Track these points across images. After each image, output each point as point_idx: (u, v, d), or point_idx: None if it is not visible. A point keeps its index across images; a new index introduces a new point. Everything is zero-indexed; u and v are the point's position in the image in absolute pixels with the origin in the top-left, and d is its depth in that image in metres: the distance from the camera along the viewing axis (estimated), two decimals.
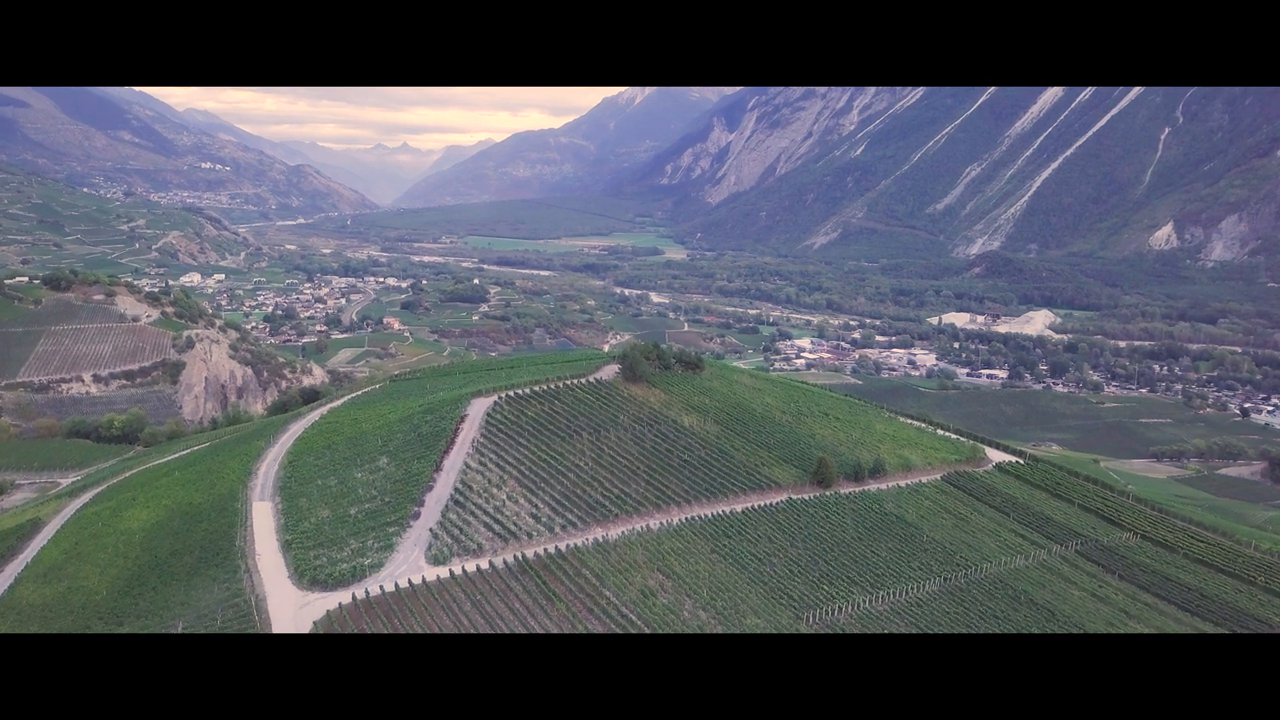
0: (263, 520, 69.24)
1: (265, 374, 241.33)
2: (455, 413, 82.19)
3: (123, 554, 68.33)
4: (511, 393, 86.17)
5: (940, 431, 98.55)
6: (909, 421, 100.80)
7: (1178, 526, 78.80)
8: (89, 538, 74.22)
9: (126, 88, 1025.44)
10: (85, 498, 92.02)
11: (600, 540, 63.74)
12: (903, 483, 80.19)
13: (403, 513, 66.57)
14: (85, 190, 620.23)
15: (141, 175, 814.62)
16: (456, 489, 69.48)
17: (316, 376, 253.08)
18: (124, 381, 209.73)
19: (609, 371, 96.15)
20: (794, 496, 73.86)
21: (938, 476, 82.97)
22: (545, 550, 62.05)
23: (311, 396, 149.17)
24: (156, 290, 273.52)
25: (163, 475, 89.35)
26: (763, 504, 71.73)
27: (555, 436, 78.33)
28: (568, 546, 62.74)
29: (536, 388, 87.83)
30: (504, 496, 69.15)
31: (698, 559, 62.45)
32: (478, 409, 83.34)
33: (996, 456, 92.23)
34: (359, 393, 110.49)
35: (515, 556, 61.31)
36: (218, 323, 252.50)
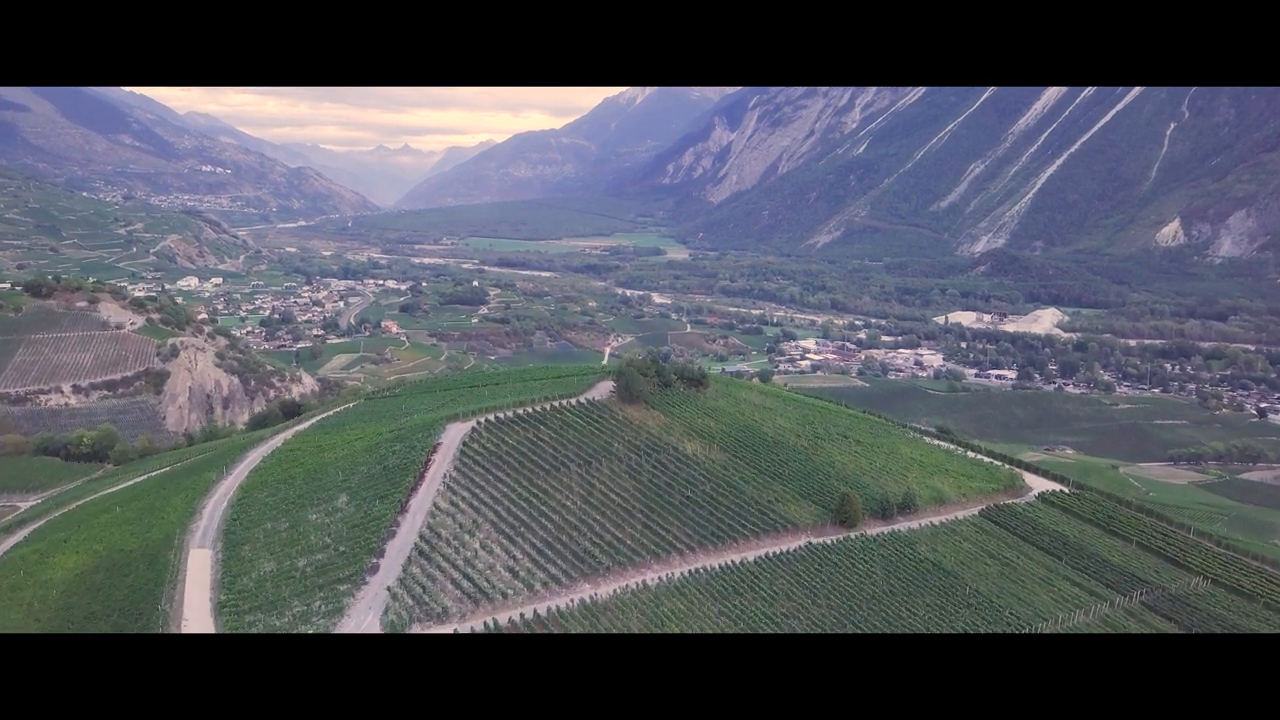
0: (198, 574, 59.57)
1: (253, 383, 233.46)
2: (427, 441, 72.48)
3: (36, 614, 58.76)
4: (491, 416, 76.36)
5: (971, 454, 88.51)
6: (936, 442, 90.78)
7: (1252, 568, 68.75)
8: (6, 590, 64.67)
9: (127, 92, 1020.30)
10: (20, 535, 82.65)
11: (588, 601, 53.92)
12: (936, 520, 70.04)
13: (358, 566, 56.85)
14: (84, 194, 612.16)
15: (142, 179, 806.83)
16: (422, 536, 59.73)
17: (306, 385, 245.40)
18: (105, 392, 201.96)
19: (603, 389, 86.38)
20: (813, 540, 63.77)
21: (975, 511, 72.80)
22: (522, 615, 52.27)
23: (293, 410, 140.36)
24: (142, 296, 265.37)
25: (103, 511, 79.81)
26: (778, 551, 61.64)
27: (539, 469, 68.52)
28: (549, 609, 52.90)
29: (520, 410, 77.96)
30: (476, 545, 59.38)
31: (703, 624, 52.58)
32: (453, 436, 73.62)
33: (1037, 483, 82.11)
34: (331, 412, 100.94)
35: (486, 623, 51.55)
36: (206, 329, 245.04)
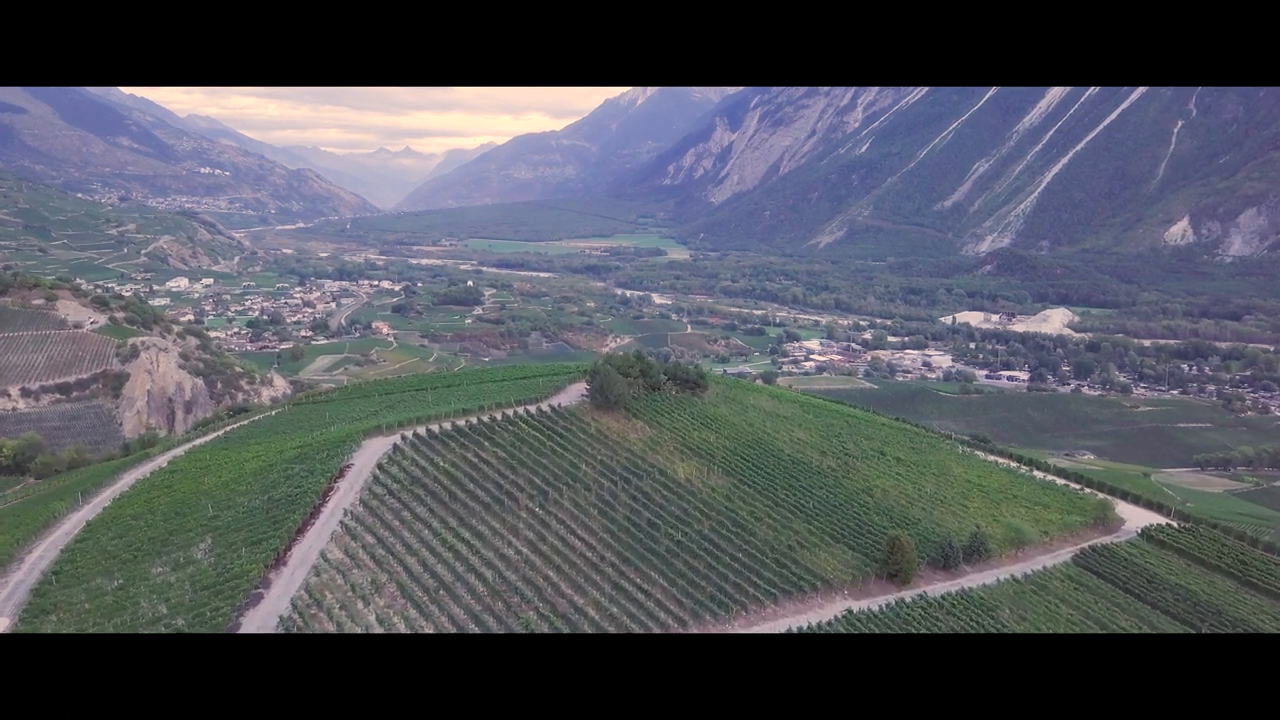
0: None
1: (219, 385, 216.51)
2: (333, 463, 54.16)
3: None
4: (422, 429, 57.93)
5: (1038, 473, 69.74)
6: (993, 459, 72.04)
7: None
8: None
9: (126, 94, 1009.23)
10: None
11: None
12: (1016, 570, 51.26)
13: None
14: (79, 195, 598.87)
15: (140, 181, 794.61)
16: (296, 604, 41.38)
17: (278, 388, 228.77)
18: (57, 395, 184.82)
19: (575, 393, 68.18)
20: (854, 607, 45.10)
21: (1066, 557, 53.92)
22: None
23: (240, 414, 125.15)
24: (106, 295, 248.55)
25: None
26: (805, 624, 43.04)
27: (475, 503, 50.06)
28: None
29: (461, 421, 59.50)
30: (372, 618, 41.00)
31: None
32: (369, 456, 55.30)
33: (1132, 514, 63.12)
34: (245, 422, 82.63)
35: None
36: (175, 329, 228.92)
